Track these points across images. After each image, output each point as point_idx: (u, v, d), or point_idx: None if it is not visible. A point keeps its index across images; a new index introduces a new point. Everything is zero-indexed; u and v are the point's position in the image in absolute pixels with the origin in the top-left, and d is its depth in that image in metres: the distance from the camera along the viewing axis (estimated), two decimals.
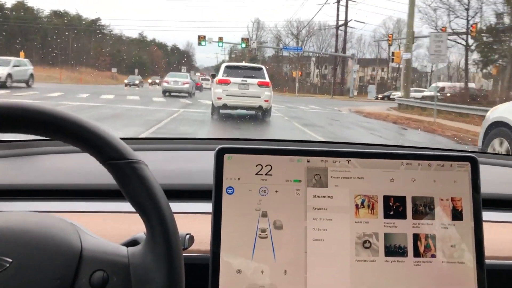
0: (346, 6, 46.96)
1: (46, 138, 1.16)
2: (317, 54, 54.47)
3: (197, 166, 1.22)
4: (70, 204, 1.04)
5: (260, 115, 11.40)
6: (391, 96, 34.12)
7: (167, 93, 18.33)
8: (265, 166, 0.78)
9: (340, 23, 47.62)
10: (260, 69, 12.26)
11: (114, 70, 41.71)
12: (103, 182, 1.03)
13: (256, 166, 0.78)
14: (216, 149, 0.77)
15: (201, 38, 33.81)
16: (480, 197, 0.80)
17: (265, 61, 52.46)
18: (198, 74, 48.08)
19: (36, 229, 0.62)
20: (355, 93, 40.21)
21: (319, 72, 55.57)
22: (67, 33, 47.45)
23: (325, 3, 49.90)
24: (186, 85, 18.31)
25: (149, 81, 36.63)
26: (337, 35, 48.43)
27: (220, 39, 35.63)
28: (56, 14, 50.02)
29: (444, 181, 0.80)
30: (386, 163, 0.80)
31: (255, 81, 11.20)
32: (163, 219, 0.62)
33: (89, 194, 1.08)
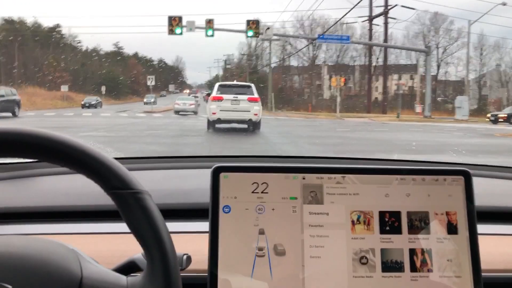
0: None
1: (32, 161, 1.16)
2: (337, 59, 41.96)
3: (193, 185, 1.22)
4: (66, 226, 1.04)
5: (251, 128, 12.94)
6: None
7: (179, 112, 22.29)
8: (261, 184, 0.79)
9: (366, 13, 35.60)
10: (249, 86, 14.01)
11: (64, 88, 31.69)
12: (99, 203, 1.03)
13: (252, 184, 0.78)
14: (212, 168, 0.78)
15: (175, 22, 21.94)
16: (475, 210, 0.81)
17: (266, 72, 41.47)
18: (186, 91, 44.07)
19: (37, 255, 0.62)
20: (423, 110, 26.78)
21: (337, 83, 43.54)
22: (17, 45, 37.91)
23: None
24: (192, 106, 22.35)
25: (145, 100, 32.03)
26: (370, 30, 36.48)
27: (209, 23, 22.68)
28: (7, 21, 40.27)
29: (438, 195, 0.81)
30: (381, 179, 0.81)
31: (245, 97, 12.80)
32: (164, 253, 0.62)
33: (84, 216, 1.08)
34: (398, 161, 1.55)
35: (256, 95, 13.18)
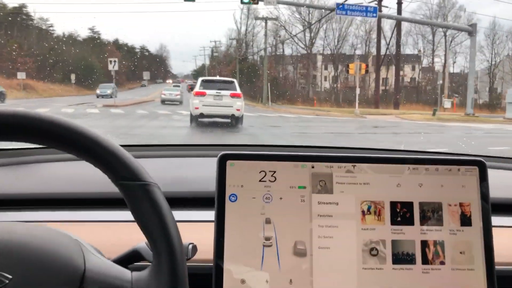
0: None
1: (35, 147, 1.14)
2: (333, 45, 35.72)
3: (199, 173, 1.21)
4: (68, 214, 1.02)
5: (233, 122, 13.13)
6: None
7: (164, 102, 22.31)
8: (269, 173, 0.77)
9: None
10: (232, 82, 14.25)
11: (21, 75, 25.78)
12: (101, 190, 1.01)
13: (260, 172, 0.76)
14: (219, 155, 0.76)
15: None
16: (489, 202, 0.78)
17: (257, 61, 37.75)
18: (169, 81, 39.90)
19: (39, 245, 0.60)
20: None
21: (336, 73, 37.85)
22: None
23: None
24: (178, 96, 22.45)
25: (98, 91, 25.11)
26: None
27: None
28: None
29: (451, 186, 0.78)
30: (393, 168, 0.78)
31: (228, 92, 13.05)
32: (171, 248, 0.60)
33: (87, 203, 1.06)
34: (410, 152, 1.52)
35: (238, 91, 13.54)
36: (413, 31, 35.68)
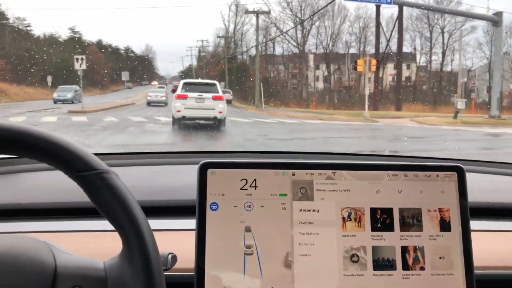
0: None
1: (11, 156, 1.12)
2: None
3: (180, 181, 1.20)
4: (45, 224, 1.01)
5: (216, 125, 13.16)
6: None
7: (150, 103, 22.18)
8: (250, 180, 0.76)
9: None
10: (214, 84, 14.31)
11: None
12: (79, 200, 1.00)
13: (241, 180, 0.76)
14: (199, 164, 0.76)
15: None
16: (468, 206, 0.79)
17: (246, 61, 35.87)
18: (154, 83, 37.75)
19: (8, 250, 0.60)
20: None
21: (329, 72, 34.78)
22: None
23: None
24: (163, 98, 22.54)
25: (55, 95, 21.55)
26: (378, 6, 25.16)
27: None
28: None
29: (431, 192, 0.79)
30: (372, 175, 0.79)
31: (210, 95, 13.09)
32: (138, 228, 0.59)
33: (65, 213, 1.04)
34: (390, 157, 1.53)
35: (220, 93, 13.64)
36: (410, 28, 32.81)
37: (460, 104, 18.37)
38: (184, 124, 12.95)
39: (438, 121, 17.17)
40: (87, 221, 1.01)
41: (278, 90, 32.76)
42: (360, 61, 21.79)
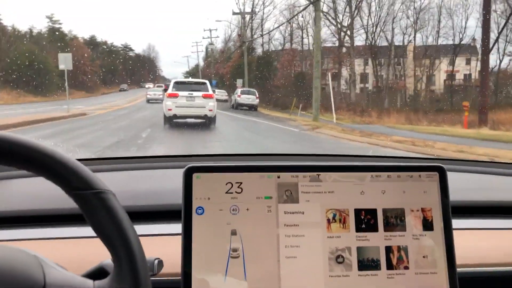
0: None
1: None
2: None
3: (165, 186, 1.19)
4: (32, 231, 1.00)
5: (207, 122, 13.51)
6: None
7: (149, 100, 23.91)
8: (235, 184, 0.77)
9: None
10: (204, 83, 14.63)
11: None
12: (64, 206, 0.99)
13: (226, 184, 0.77)
14: (185, 168, 0.76)
15: None
16: (450, 206, 0.81)
17: (270, 52, 28.31)
18: (149, 85, 33.79)
19: None
20: None
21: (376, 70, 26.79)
22: None
23: None
24: (160, 96, 23.01)
25: None
26: None
27: None
28: None
29: (413, 192, 0.80)
30: (356, 176, 0.80)
31: (200, 93, 13.43)
32: (131, 253, 0.59)
33: (49, 220, 1.03)
34: (373, 157, 1.55)
35: (210, 92, 13.96)
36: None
37: None
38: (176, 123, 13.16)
39: None
40: (73, 228, 1.00)
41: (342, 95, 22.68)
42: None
